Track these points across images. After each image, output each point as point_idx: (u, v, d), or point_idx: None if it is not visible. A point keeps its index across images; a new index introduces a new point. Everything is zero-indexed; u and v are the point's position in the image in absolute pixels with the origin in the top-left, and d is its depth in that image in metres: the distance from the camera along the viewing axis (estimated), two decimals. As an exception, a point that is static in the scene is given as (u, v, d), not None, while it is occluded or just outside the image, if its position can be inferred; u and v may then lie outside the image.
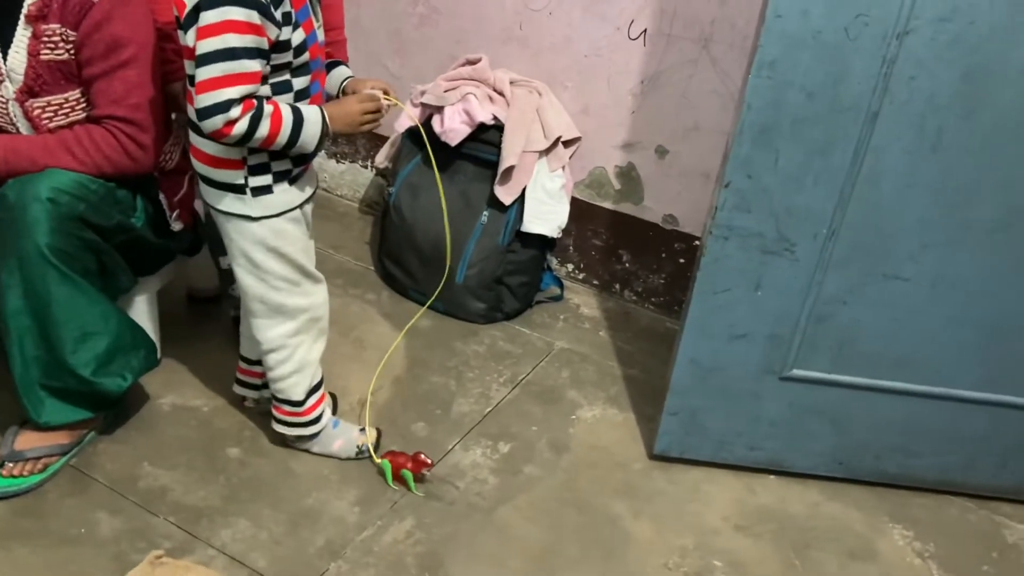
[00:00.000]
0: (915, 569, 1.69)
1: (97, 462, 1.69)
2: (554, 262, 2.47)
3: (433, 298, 1.94)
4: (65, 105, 1.54)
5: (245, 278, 1.56)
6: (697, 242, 2.22)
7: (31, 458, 1.61)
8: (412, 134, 2.28)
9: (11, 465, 1.60)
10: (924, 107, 1.45)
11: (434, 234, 2.18)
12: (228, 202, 1.47)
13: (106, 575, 1.47)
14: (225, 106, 1.32)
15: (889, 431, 1.78)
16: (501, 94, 2.20)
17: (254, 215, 1.48)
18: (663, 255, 2.31)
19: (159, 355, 1.76)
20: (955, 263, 1.59)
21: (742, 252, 1.60)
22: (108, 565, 1.49)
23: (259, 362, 1.72)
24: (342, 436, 1.76)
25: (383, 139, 2.47)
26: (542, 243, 2.27)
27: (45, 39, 1.48)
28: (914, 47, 1.40)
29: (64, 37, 1.48)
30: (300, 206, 1.53)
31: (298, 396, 1.66)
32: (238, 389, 1.82)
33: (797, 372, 1.72)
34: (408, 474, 1.69)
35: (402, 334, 2.00)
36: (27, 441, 1.62)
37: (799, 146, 1.49)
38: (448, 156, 2.20)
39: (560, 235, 2.26)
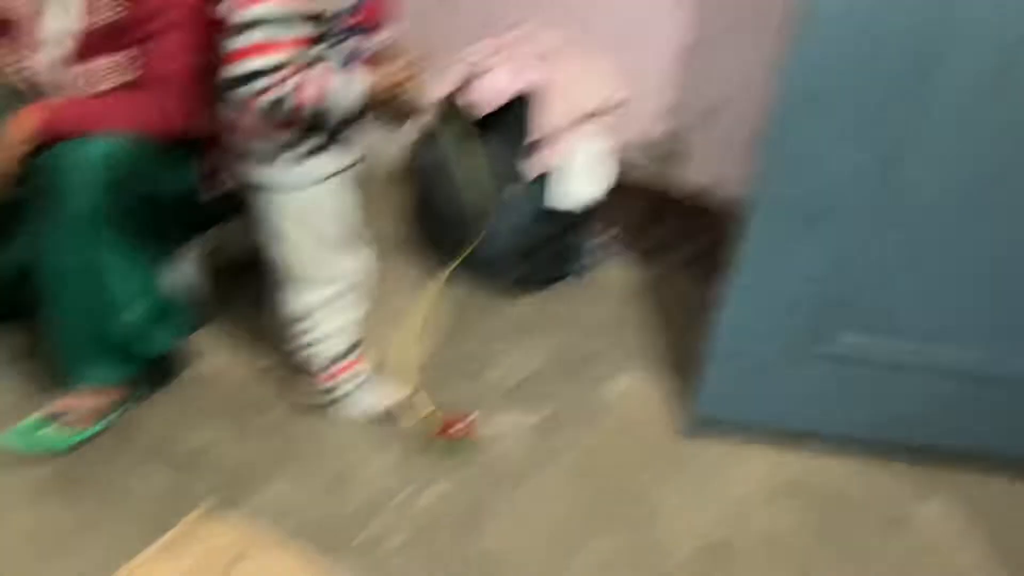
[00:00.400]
0: (953, 542, 1.66)
1: (138, 423, 1.72)
2: (590, 231, 2.45)
3: (461, 259, 1.90)
4: (113, 69, 1.55)
5: (276, 246, 1.56)
6: (739, 210, 2.19)
7: (73, 418, 1.64)
8: (448, 101, 2.27)
9: (54, 424, 1.63)
10: (978, 70, 1.40)
11: (468, 203, 2.17)
12: (263, 171, 1.48)
13: (144, 535, 1.49)
14: (258, 75, 1.31)
15: (933, 402, 1.74)
16: (542, 60, 2.17)
17: (289, 184, 1.48)
18: (703, 223, 2.28)
19: (204, 317, 1.78)
20: (1009, 231, 1.54)
21: (785, 219, 1.57)
22: (147, 524, 1.51)
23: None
24: (369, 398, 1.76)
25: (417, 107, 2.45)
26: (578, 212, 2.25)
27: (96, 3, 1.48)
28: (971, 2, 1.35)
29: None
30: (337, 174, 1.53)
31: (320, 364, 1.67)
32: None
33: (839, 340, 1.69)
34: (451, 440, 1.70)
35: (431, 298, 1.99)
36: (70, 401, 1.65)
37: (845, 111, 1.45)
38: (484, 123, 2.18)
39: (597, 204, 2.24)
